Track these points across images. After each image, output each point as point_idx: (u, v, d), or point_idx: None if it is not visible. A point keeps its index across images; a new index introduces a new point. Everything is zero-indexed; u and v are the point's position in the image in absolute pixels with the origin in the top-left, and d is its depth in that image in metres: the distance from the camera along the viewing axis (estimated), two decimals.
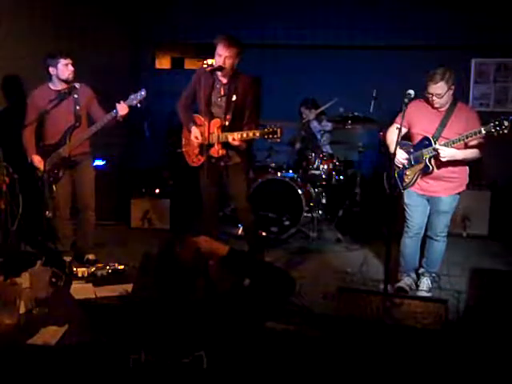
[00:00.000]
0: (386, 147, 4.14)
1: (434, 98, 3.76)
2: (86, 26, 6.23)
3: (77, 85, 4.42)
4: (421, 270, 4.27)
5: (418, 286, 4.24)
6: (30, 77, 5.42)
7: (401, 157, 3.95)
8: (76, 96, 4.45)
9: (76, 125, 4.44)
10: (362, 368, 2.69)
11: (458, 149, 3.72)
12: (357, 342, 2.91)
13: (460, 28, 6.44)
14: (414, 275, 4.26)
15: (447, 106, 3.84)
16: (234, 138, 3.91)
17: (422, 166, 3.89)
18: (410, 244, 4.14)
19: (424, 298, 3.64)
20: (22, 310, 3.28)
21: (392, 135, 4.00)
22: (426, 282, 4.20)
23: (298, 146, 6.39)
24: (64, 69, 4.37)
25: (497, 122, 3.46)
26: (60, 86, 4.42)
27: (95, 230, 4.81)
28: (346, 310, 3.29)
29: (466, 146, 3.77)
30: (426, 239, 4.19)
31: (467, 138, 3.62)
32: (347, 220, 5.92)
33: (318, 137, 6.19)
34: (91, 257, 4.67)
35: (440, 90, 3.71)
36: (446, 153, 3.67)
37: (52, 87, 4.45)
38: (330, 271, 4.74)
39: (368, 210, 6.32)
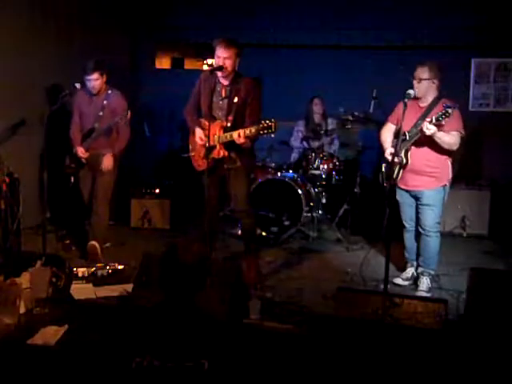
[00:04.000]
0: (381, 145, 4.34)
1: (415, 82, 4.01)
2: (86, 26, 6.24)
3: (109, 91, 4.78)
4: (419, 270, 4.32)
5: (417, 285, 4.27)
6: (26, 77, 5.43)
7: (390, 153, 4.16)
8: (105, 102, 4.74)
9: (92, 128, 4.77)
10: (362, 368, 2.69)
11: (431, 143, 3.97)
12: (356, 342, 2.91)
13: (460, 28, 6.44)
14: (417, 263, 4.40)
15: (429, 101, 4.05)
16: (233, 136, 3.91)
17: (399, 159, 4.07)
18: (408, 237, 4.40)
19: (424, 298, 3.64)
20: (22, 309, 3.28)
21: (385, 133, 4.30)
22: (425, 282, 4.23)
23: (300, 146, 6.41)
24: (88, 83, 4.70)
25: (444, 111, 3.75)
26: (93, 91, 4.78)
27: (106, 231, 4.98)
28: (346, 310, 3.29)
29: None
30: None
31: (431, 122, 3.81)
32: (347, 220, 5.92)
33: (325, 140, 6.19)
34: (95, 243, 4.79)
35: (421, 74, 4.00)
36: (432, 129, 3.81)
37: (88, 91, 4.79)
38: (330, 271, 4.74)
39: (368, 210, 6.32)
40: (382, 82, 5.94)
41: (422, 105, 4.08)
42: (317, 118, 6.38)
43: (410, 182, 4.17)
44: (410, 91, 3.66)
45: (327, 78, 6.73)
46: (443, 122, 3.78)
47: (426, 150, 4.04)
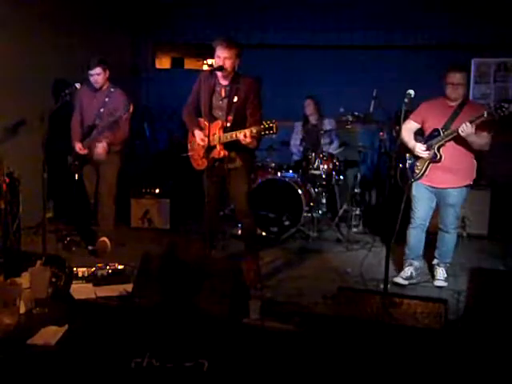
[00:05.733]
0: (402, 143, 4.30)
1: (452, 87, 4.06)
2: (86, 26, 6.24)
3: (112, 89, 4.84)
4: (434, 261, 4.44)
5: (433, 276, 4.42)
6: (26, 77, 5.43)
7: (420, 149, 4.18)
8: (107, 99, 4.78)
9: (92, 125, 4.82)
10: (362, 368, 2.69)
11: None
12: (357, 342, 2.91)
13: (460, 28, 6.44)
14: (416, 263, 4.42)
15: (459, 101, 4.12)
16: (238, 136, 3.89)
17: (431, 155, 4.12)
18: (414, 234, 4.36)
19: (424, 298, 3.64)
20: (22, 309, 3.27)
21: (407, 132, 4.29)
22: (441, 272, 4.38)
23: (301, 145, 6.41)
24: (91, 78, 4.79)
25: (498, 105, 3.80)
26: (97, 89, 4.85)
27: (113, 228, 5.04)
28: (346, 310, 3.29)
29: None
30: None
31: (471, 122, 3.87)
32: (347, 220, 5.92)
33: (325, 139, 6.20)
34: (104, 239, 4.89)
35: (460, 79, 4.06)
36: (468, 129, 3.87)
37: (93, 87, 4.85)
38: (330, 271, 4.74)
39: (368, 209, 6.33)
40: (382, 82, 5.94)
41: (451, 104, 4.14)
42: (313, 118, 6.38)
43: (436, 179, 4.19)
44: (410, 91, 3.67)
45: (327, 77, 6.73)
46: (497, 117, 3.81)
47: (458, 147, 4.10)
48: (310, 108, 6.35)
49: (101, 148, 4.71)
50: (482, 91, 6.67)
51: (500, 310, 3.04)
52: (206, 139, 3.96)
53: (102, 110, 4.78)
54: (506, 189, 6.09)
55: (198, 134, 4.14)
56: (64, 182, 5.18)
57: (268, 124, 3.73)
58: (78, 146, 4.88)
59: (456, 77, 4.06)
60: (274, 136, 3.82)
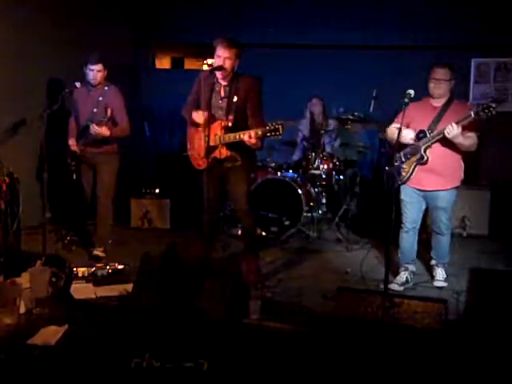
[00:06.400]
0: (389, 145, 4.24)
1: (434, 83, 4.00)
2: (86, 26, 6.23)
3: (106, 87, 4.73)
4: (432, 262, 4.41)
5: (433, 277, 4.39)
6: (26, 77, 5.43)
7: (408, 135, 4.07)
8: (101, 98, 4.69)
9: (86, 125, 4.71)
10: (362, 368, 2.69)
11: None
12: (357, 342, 2.91)
13: (460, 28, 6.44)
14: (411, 267, 4.37)
15: (443, 101, 4.05)
16: (242, 137, 3.88)
17: (417, 156, 4.06)
18: (406, 237, 4.31)
19: (424, 298, 3.65)
20: (22, 309, 3.28)
21: (393, 134, 4.15)
22: (440, 273, 4.35)
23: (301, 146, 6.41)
24: (89, 73, 4.68)
25: (485, 106, 3.71)
26: (92, 86, 4.73)
27: (109, 227, 4.99)
28: (346, 310, 3.29)
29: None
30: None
31: (458, 123, 3.80)
32: (347, 220, 5.92)
33: (326, 139, 6.19)
34: (99, 252, 4.83)
35: (443, 75, 3.97)
36: (454, 131, 3.80)
37: (88, 85, 4.74)
38: (330, 271, 4.74)
39: (368, 210, 6.32)
40: (382, 82, 5.94)
41: (435, 104, 4.08)
42: (318, 117, 6.38)
43: (425, 181, 4.11)
44: (410, 91, 3.67)
45: (327, 77, 6.72)
46: (485, 117, 3.73)
47: (444, 149, 4.03)
48: (317, 108, 6.35)
49: (99, 129, 4.57)
50: (482, 91, 6.67)
51: (500, 309, 3.05)
52: (205, 114, 3.96)
53: (95, 110, 4.69)
54: (506, 189, 6.08)
55: (196, 113, 4.08)
56: (63, 183, 5.16)
57: (274, 126, 3.70)
58: (71, 141, 4.83)
59: (439, 72, 3.98)
60: (280, 137, 3.81)
